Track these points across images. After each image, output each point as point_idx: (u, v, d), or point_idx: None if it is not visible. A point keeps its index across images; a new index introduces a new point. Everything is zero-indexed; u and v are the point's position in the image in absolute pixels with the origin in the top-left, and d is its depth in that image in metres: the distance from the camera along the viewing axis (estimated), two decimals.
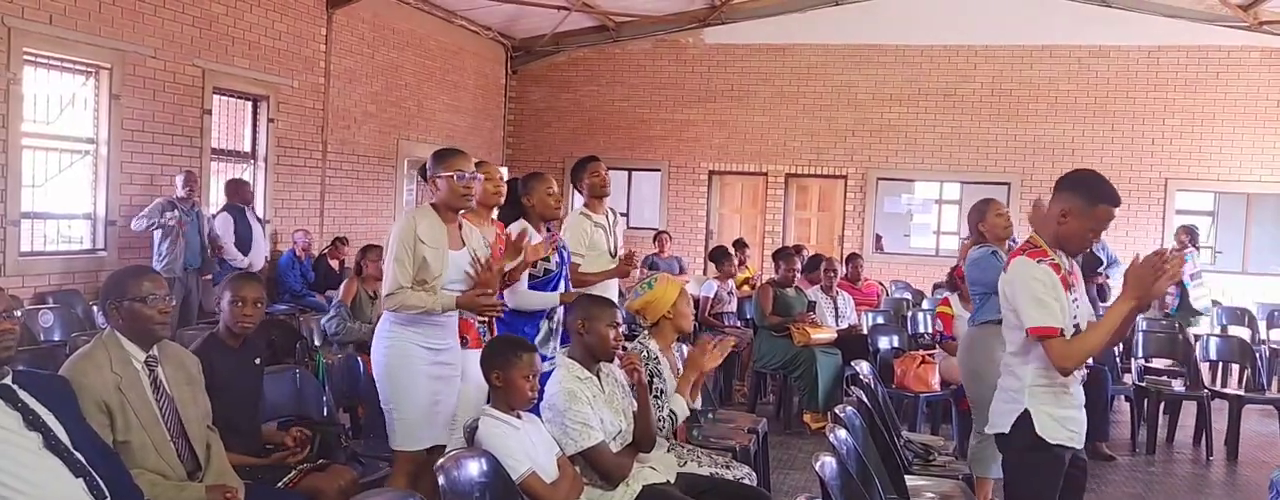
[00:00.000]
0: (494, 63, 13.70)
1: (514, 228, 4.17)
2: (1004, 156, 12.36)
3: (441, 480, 2.64)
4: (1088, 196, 3.05)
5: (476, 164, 3.74)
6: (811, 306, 7.25)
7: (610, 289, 4.78)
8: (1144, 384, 6.80)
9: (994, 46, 12.30)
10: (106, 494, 2.45)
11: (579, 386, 3.24)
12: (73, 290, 7.24)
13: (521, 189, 4.38)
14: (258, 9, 9.11)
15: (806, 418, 6.75)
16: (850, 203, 12.94)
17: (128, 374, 2.81)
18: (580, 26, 13.36)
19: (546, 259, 4.18)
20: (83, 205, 7.66)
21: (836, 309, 7.56)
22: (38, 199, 7.27)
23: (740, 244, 10.36)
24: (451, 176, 3.54)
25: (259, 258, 8.41)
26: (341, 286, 6.51)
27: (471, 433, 3.04)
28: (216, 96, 8.74)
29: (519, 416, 3.07)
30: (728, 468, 3.75)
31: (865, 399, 3.99)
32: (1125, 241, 11.14)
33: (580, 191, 5.01)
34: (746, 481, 3.67)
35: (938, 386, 6.24)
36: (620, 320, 3.49)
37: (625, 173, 13.28)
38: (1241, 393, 6.91)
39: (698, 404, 4.15)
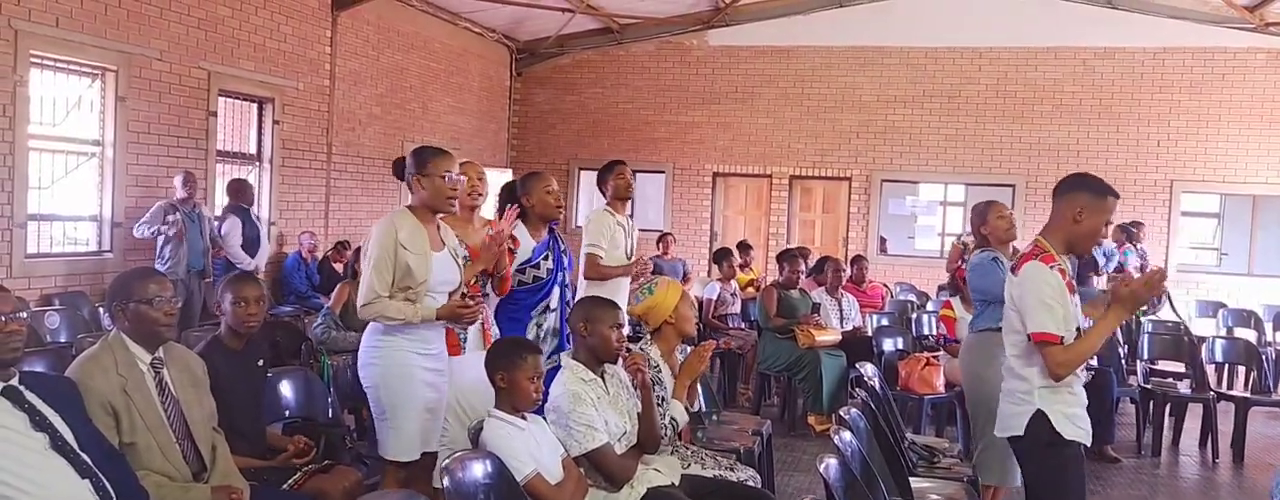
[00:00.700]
0: (498, 65, 13.72)
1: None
2: (1009, 158, 12.35)
3: (446, 481, 2.64)
4: (1094, 191, 3.14)
5: (460, 164, 3.66)
6: (816, 308, 7.24)
7: (620, 291, 4.80)
8: (1149, 386, 6.78)
9: (998, 48, 12.30)
10: (112, 495, 2.45)
11: (583, 388, 3.24)
12: (78, 292, 7.26)
13: (520, 189, 4.37)
14: (263, 11, 9.13)
15: (811, 420, 6.75)
16: (854, 205, 12.93)
17: (133, 376, 2.82)
18: (584, 29, 13.38)
19: (536, 266, 4.18)
20: (88, 207, 7.68)
21: (841, 311, 7.55)
22: (44, 201, 7.29)
23: (744, 245, 10.35)
24: (437, 178, 3.41)
25: (262, 259, 8.42)
26: (334, 293, 6.38)
27: (476, 434, 3.04)
28: (222, 99, 8.76)
29: (524, 418, 3.08)
30: (732, 470, 3.75)
31: (870, 401, 3.99)
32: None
33: (604, 192, 5.19)
34: (751, 483, 3.67)
35: (942, 389, 6.23)
36: (623, 321, 3.49)
37: None
38: (1247, 395, 6.88)
39: (695, 405, 4.14)
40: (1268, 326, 9.79)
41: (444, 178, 3.42)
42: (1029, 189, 12.08)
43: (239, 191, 8.35)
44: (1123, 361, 7.14)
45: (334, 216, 10.41)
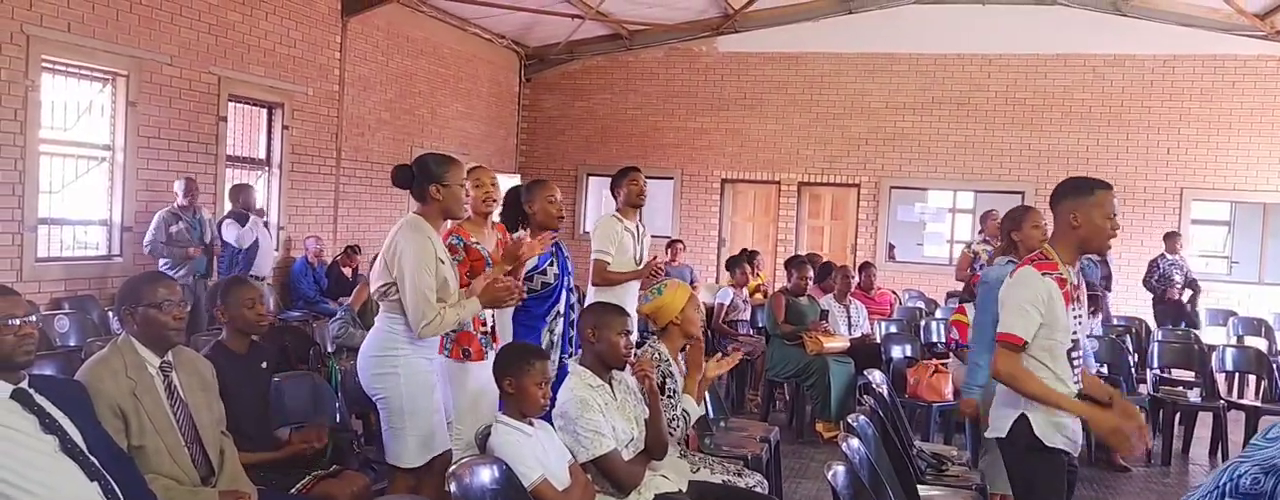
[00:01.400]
0: (507, 70, 13.75)
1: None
2: (1018, 165, 12.31)
3: (453, 487, 2.64)
4: (1077, 192, 3.14)
5: (470, 170, 3.73)
6: (824, 315, 7.23)
7: (629, 297, 4.79)
8: (1160, 394, 6.76)
9: (1007, 55, 12.27)
10: (121, 498, 2.46)
11: (591, 394, 3.24)
12: (88, 296, 7.30)
13: (523, 196, 4.40)
14: (273, 17, 9.17)
15: (819, 427, 6.73)
16: (863, 211, 12.91)
17: (142, 379, 2.83)
18: (594, 35, 13.39)
19: (544, 273, 4.20)
20: (98, 211, 7.71)
21: (849, 318, 7.54)
22: (54, 205, 7.33)
23: (750, 254, 10.32)
24: (456, 187, 3.48)
25: (267, 265, 8.42)
26: (354, 291, 6.49)
27: (484, 439, 3.04)
28: (232, 104, 8.80)
29: (531, 423, 3.07)
30: (740, 476, 3.75)
31: (878, 408, 3.98)
32: (1140, 251, 11.11)
33: (617, 198, 5.19)
34: (758, 490, 3.67)
35: (951, 396, 6.20)
36: (631, 328, 3.49)
37: None
38: (1258, 403, 6.86)
39: (702, 408, 4.13)
40: (1278, 335, 9.74)
41: (462, 187, 3.51)
42: (1038, 196, 12.00)
43: (242, 196, 8.30)
44: (1132, 370, 7.11)
45: (342, 221, 10.43)
